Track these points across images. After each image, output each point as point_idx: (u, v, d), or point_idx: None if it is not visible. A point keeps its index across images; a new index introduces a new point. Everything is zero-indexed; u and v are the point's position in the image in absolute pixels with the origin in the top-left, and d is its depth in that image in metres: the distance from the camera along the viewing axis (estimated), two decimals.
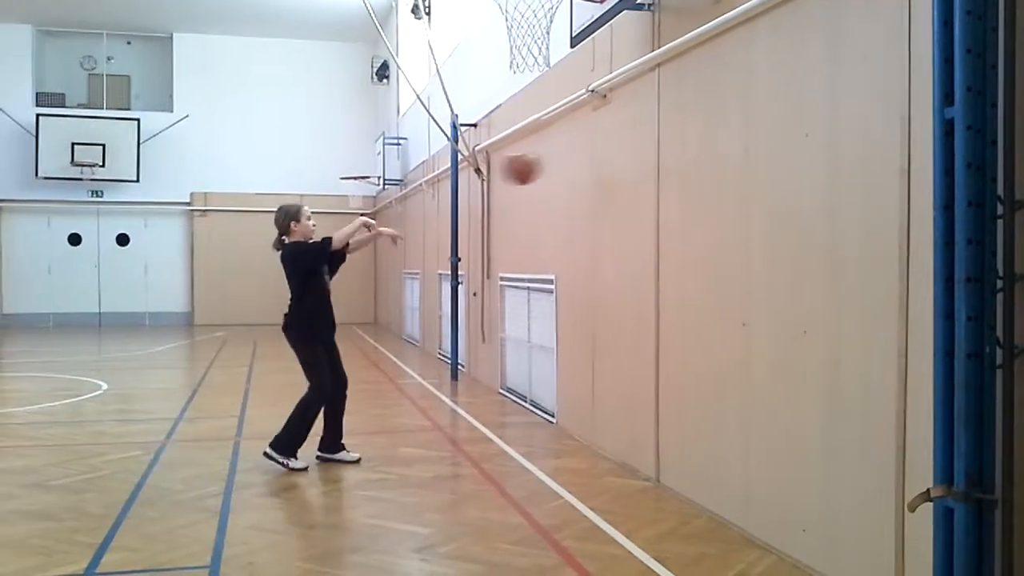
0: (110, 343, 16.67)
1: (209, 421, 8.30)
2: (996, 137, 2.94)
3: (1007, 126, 2.96)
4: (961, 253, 2.89)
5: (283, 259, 6.43)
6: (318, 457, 6.51)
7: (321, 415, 6.44)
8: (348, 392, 6.62)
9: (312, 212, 6.57)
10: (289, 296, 6.45)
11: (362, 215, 6.58)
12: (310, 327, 6.38)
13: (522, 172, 6.64)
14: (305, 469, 6.24)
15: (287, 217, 6.43)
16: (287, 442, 6.27)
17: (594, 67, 6.86)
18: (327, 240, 6.29)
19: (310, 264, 6.36)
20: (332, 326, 6.56)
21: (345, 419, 6.58)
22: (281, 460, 6.23)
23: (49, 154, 19.87)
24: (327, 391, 6.36)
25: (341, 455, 6.51)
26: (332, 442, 6.54)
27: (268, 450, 6.28)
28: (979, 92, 2.90)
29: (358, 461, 6.50)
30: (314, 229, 6.50)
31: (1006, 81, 2.95)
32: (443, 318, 13.04)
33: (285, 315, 6.45)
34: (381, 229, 6.63)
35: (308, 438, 6.35)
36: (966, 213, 2.89)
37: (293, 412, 6.33)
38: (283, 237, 6.46)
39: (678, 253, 5.59)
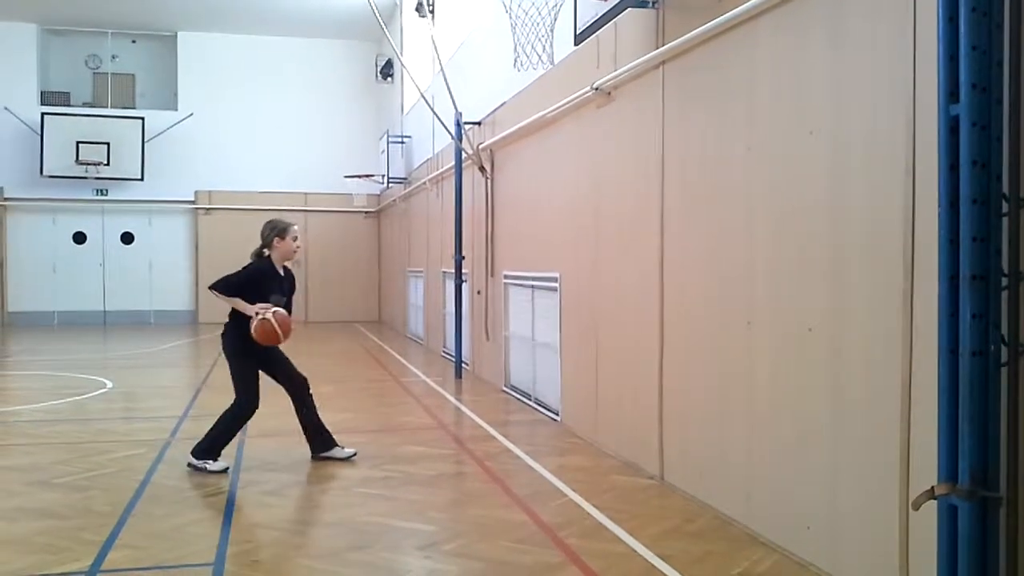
0: (115, 341, 16.71)
1: (213, 419, 8.28)
2: (1001, 134, 2.93)
3: (1012, 123, 2.94)
4: (966, 251, 2.89)
5: None
6: (315, 459, 6.50)
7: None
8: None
9: (299, 228, 6.47)
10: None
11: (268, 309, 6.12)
12: (244, 341, 6.18)
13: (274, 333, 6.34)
14: (226, 471, 6.15)
15: (273, 231, 6.33)
16: (206, 448, 6.20)
17: (598, 65, 6.85)
18: (224, 291, 6.13)
19: (229, 286, 6.19)
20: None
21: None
22: (199, 464, 6.15)
23: (54, 153, 19.91)
24: (254, 405, 6.27)
25: (335, 452, 6.49)
26: (319, 442, 6.50)
27: (191, 460, 6.20)
28: (984, 89, 2.89)
29: (354, 455, 6.49)
30: (296, 250, 6.39)
31: (1011, 78, 2.94)
32: (447, 316, 13.04)
33: (226, 323, 6.34)
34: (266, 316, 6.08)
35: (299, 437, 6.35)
36: (971, 210, 2.88)
37: (217, 421, 6.27)
38: (264, 249, 6.36)
39: (682, 251, 5.59)
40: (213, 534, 4.75)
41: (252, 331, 6.05)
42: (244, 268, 6.29)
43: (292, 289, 6.50)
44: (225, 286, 6.17)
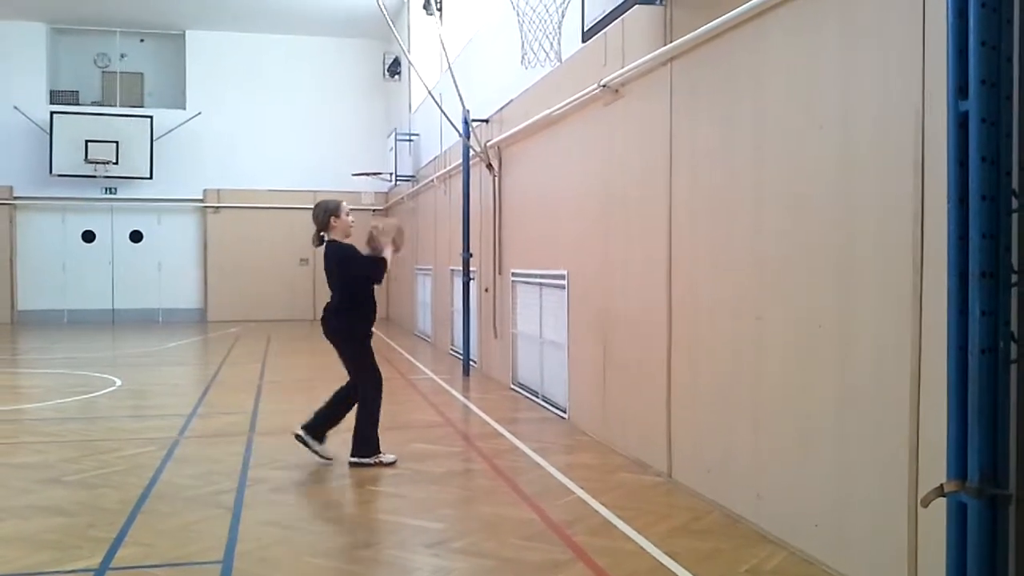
0: (124, 339, 16.76)
1: (222, 417, 8.33)
2: (1011, 130, 2.91)
3: (1022, 119, 2.93)
4: (975, 247, 2.87)
5: (330, 258, 6.33)
6: (297, 436, 6.33)
7: (332, 394, 6.46)
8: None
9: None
10: (333, 294, 6.40)
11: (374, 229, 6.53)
12: (364, 327, 6.37)
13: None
14: (394, 462, 6.30)
15: (327, 213, 6.34)
16: (365, 444, 6.28)
17: (606, 62, 6.84)
18: (382, 266, 6.33)
19: (362, 278, 6.31)
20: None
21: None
22: (371, 462, 6.25)
23: (63, 151, 19.99)
24: (381, 379, 6.39)
25: (320, 447, 6.36)
26: (320, 427, 6.37)
27: (353, 459, 6.26)
28: (994, 85, 2.88)
29: (329, 461, 6.36)
30: (353, 225, 6.44)
31: (1021, 74, 2.93)
32: (455, 314, 13.05)
33: (331, 315, 6.35)
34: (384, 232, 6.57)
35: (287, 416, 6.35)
36: (980, 207, 2.87)
37: (357, 416, 6.30)
38: (322, 233, 6.38)
39: (691, 247, 5.58)
40: (222, 532, 4.77)
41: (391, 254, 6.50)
42: (350, 252, 6.33)
43: None
44: (376, 266, 6.34)
